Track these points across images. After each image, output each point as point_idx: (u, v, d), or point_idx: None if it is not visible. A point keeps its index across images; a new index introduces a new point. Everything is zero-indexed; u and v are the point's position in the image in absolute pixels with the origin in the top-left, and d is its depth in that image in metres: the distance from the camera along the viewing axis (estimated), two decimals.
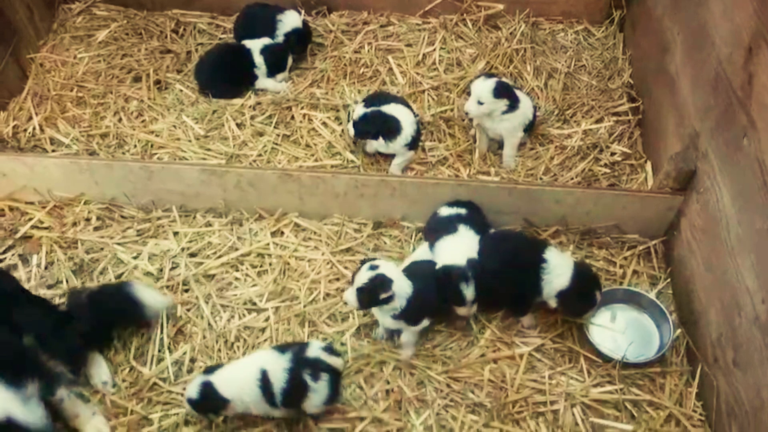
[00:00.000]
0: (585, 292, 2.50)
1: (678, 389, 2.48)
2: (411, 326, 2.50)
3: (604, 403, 2.45)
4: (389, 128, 3.02)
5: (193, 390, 2.25)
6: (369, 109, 3.03)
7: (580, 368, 2.54)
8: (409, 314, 2.45)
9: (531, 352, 2.56)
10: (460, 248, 2.58)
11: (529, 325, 2.64)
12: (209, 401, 2.24)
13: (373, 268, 2.37)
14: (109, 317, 2.56)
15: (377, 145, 3.05)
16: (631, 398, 2.46)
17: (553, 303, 2.49)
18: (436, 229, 2.71)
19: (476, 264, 2.53)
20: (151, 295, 2.60)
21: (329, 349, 2.34)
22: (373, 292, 2.35)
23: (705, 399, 2.43)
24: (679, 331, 2.61)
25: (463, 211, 2.72)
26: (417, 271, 2.53)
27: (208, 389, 2.24)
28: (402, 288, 2.40)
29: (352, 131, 3.07)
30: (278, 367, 2.26)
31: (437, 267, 2.54)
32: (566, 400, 2.44)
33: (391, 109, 3.05)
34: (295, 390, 2.26)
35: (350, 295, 2.38)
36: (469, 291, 2.48)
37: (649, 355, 2.55)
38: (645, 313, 2.69)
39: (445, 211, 2.74)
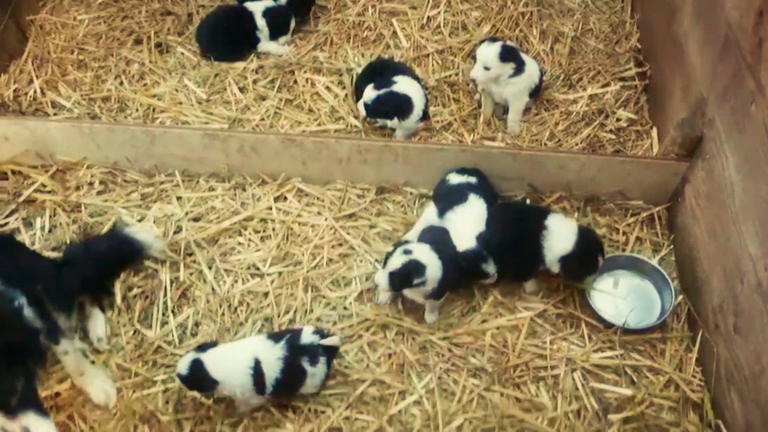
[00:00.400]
0: (587, 257, 2.50)
1: (678, 355, 2.50)
2: (436, 301, 2.53)
3: (604, 368, 2.47)
4: (403, 109, 2.99)
5: (183, 366, 2.23)
6: (381, 91, 2.95)
7: (581, 334, 2.56)
8: (438, 293, 2.48)
9: (533, 318, 2.58)
10: (470, 219, 2.59)
11: (531, 291, 2.66)
12: (198, 380, 2.22)
13: (407, 252, 2.38)
14: (106, 260, 2.59)
15: (390, 123, 3.02)
16: (631, 363, 2.48)
17: (555, 268, 2.49)
18: (447, 198, 2.69)
19: (485, 236, 2.55)
20: (144, 234, 2.65)
21: (321, 333, 2.35)
22: (407, 278, 2.37)
23: (705, 365, 2.45)
24: (680, 297, 2.62)
25: (473, 179, 2.70)
26: (445, 251, 2.49)
27: (197, 367, 2.21)
28: (434, 272, 2.41)
29: (363, 112, 3.01)
30: (272, 357, 2.26)
31: (457, 251, 2.54)
32: (567, 365, 2.46)
33: (401, 86, 2.98)
34: (291, 378, 2.27)
35: (382, 278, 2.40)
36: (490, 267, 2.53)
37: (650, 321, 2.57)
38: (647, 280, 2.70)
39: (456, 179, 2.72)
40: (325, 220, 2.85)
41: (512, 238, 2.55)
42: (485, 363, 2.47)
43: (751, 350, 2.16)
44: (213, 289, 2.67)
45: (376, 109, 2.98)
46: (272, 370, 2.25)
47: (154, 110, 3.21)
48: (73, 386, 2.40)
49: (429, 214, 2.74)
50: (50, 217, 2.87)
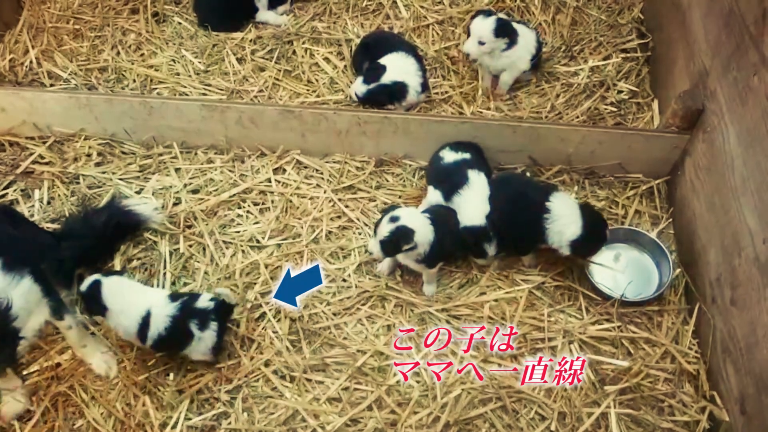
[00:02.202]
0: (596, 236, 2.50)
1: (675, 327, 2.52)
2: (429, 269, 2.54)
3: (601, 340, 2.49)
4: (396, 95, 2.98)
5: (85, 283, 2.28)
6: (372, 86, 2.95)
7: (579, 306, 2.57)
8: (431, 258, 2.48)
9: (531, 290, 2.59)
10: (478, 199, 2.59)
11: (530, 264, 2.66)
12: (91, 298, 2.27)
13: (393, 219, 2.39)
14: (105, 232, 2.59)
15: (391, 107, 3.00)
16: (628, 335, 2.49)
17: (566, 251, 2.48)
18: (446, 179, 2.67)
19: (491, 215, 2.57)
20: (143, 207, 2.67)
21: (219, 300, 2.35)
22: (396, 244, 2.39)
23: (701, 337, 2.47)
24: (678, 270, 2.62)
25: (467, 155, 2.69)
26: (439, 218, 2.51)
27: (94, 287, 2.27)
28: (424, 236, 2.42)
29: (356, 99, 3.01)
30: (162, 313, 2.27)
31: (462, 226, 2.56)
32: (564, 337, 2.48)
33: (392, 71, 2.95)
34: (175, 338, 2.29)
35: (374, 246, 2.42)
36: (491, 248, 2.56)
37: (648, 294, 2.58)
38: (645, 253, 2.71)
39: (450, 157, 2.70)
40: (324, 192, 2.84)
41: (513, 215, 2.54)
42: (483, 334, 2.49)
43: (747, 322, 2.18)
44: (213, 260, 2.67)
45: (368, 101, 2.98)
46: (158, 325, 2.27)
47: (151, 81, 3.18)
48: (74, 357, 2.42)
49: (432, 197, 2.71)
50: (48, 188, 2.87)
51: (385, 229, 2.38)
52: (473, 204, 2.59)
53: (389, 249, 2.41)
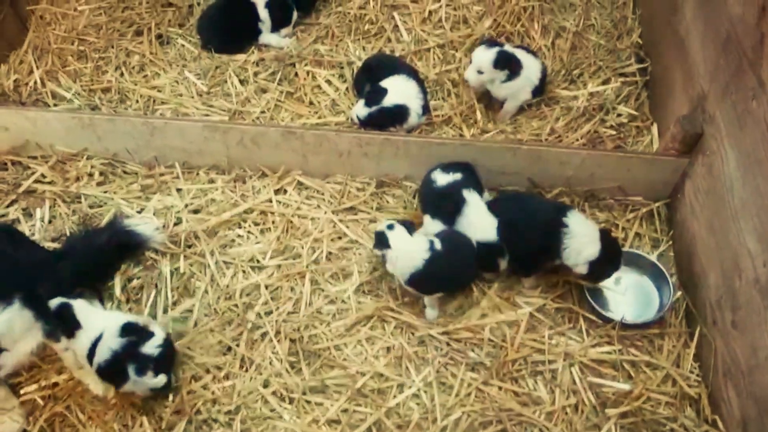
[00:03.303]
0: (613, 260, 2.51)
1: (676, 350, 2.51)
2: (423, 294, 2.55)
3: (602, 363, 2.48)
4: (397, 119, 3.00)
5: (52, 305, 2.28)
6: (373, 109, 2.97)
7: (580, 329, 2.57)
8: (419, 284, 2.50)
9: (532, 313, 2.58)
10: (483, 216, 2.58)
11: (530, 286, 2.66)
12: (65, 319, 2.27)
13: (388, 228, 2.49)
14: (106, 252, 2.59)
15: (392, 129, 3.02)
16: (629, 358, 2.48)
17: (582, 270, 2.48)
18: (442, 204, 2.64)
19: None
20: (144, 227, 2.66)
21: (167, 347, 2.32)
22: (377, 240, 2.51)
23: (702, 360, 2.46)
24: (679, 293, 2.62)
25: (458, 176, 2.65)
26: (445, 246, 2.51)
27: (65, 308, 2.28)
28: (405, 260, 2.46)
29: (356, 122, 3.04)
30: (107, 344, 2.25)
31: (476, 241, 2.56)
32: (565, 360, 2.47)
33: (393, 94, 2.97)
34: (111, 373, 2.26)
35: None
36: (503, 263, 2.57)
37: (649, 317, 2.57)
38: (646, 276, 2.71)
39: (443, 180, 2.66)
40: (325, 213, 2.85)
41: (527, 231, 2.53)
42: (484, 357, 2.48)
43: (748, 345, 2.17)
44: (213, 280, 2.67)
45: (369, 123, 3.00)
46: (101, 354, 2.25)
47: (154, 102, 3.21)
48: (71, 377, 2.40)
49: (430, 228, 2.66)
50: (50, 207, 2.87)
51: (377, 231, 2.52)
52: (481, 219, 2.57)
53: (376, 243, 2.51)
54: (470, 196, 2.61)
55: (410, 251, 2.47)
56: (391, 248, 2.47)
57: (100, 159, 3.00)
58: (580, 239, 2.45)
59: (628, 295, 2.65)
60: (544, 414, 2.36)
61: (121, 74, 3.31)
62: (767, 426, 2.03)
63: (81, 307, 2.30)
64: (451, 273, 2.54)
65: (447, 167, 2.69)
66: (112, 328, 2.28)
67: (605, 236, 2.49)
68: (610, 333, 2.54)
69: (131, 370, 2.25)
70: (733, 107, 2.36)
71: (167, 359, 2.33)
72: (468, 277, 2.61)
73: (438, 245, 2.49)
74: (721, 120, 2.44)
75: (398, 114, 2.98)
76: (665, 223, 2.84)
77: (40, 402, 2.38)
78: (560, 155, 2.78)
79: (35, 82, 3.27)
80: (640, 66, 3.27)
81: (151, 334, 2.32)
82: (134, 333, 2.31)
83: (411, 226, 2.55)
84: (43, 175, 2.96)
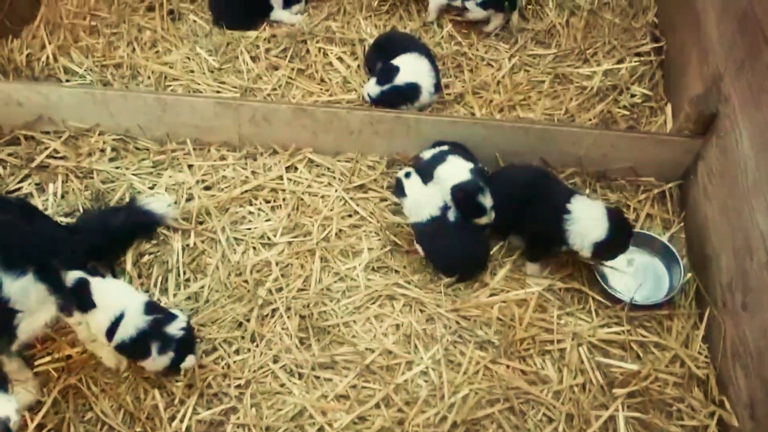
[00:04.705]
0: (621, 241, 2.50)
1: (685, 331, 2.51)
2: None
3: (610, 343, 2.48)
4: (408, 97, 2.99)
5: (69, 280, 2.29)
6: (385, 87, 2.97)
7: (589, 309, 2.57)
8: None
9: (541, 292, 2.58)
10: (457, 163, 2.61)
11: (532, 273, 2.65)
12: (80, 296, 2.27)
13: (407, 175, 2.58)
14: (119, 230, 2.62)
15: (403, 107, 3.01)
16: (637, 339, 2.49)
17: (587, 253, 2.48)
18: (426, 169, 2.66)
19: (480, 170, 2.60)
20: (157, 204, 2.68)
21: (188, 332, 2.36)
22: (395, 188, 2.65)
23: (711, 341, 2.46)
24: (689, 274, 2.61)
25: (445, 147, 2.70)
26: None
27: (83, 284, 2.28)
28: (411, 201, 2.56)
29: (368, 100, 3.03)
30: (131, 322, 2.28)
31: (452, 186, 2.56)
32: (573, 340, 2.47)
33: (405, 72, 2.95)
34: (135, 350, 2.30)
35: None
36: (487, 200, 2.53)
37: (658, 298, 2.57)
38: (656, 257, 2.70)
39: (429, 153, 2.72)
40: (335, 191, 2.85)
41: (531, 213, 2.54)
42: (492, 336, 2.49)
43: (758, 327, 2.17)
44: (224, 257, 2.69)
45: (381, 102, 2.99)
46: (124, 332, 2.27)
47: (166, 78, 3.21)
48: (84, 350, 2.43)
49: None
50: (63, 183, 2.89)
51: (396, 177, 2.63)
52: (454, 165, 2.60)
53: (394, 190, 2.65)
54: (450, 156, 2.64)
55: (424, 202, 2.51)
56: (407, 196, 2.53)
57: (112, 135, 3.01)
58: (584, 223, 2.44)
59: (638, 276, 2.65)
60: (552, 393, 2.37)
61: (133, 50, 3.31)
62: None
63: (98, 286, 2.31)
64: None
65: (437, 143, 2.74)
66: (135, 307, 2.31)
67: (614, 217, 2.47)
68: (619, 314, 2.54)
69: (154, 348, 2.29)
70: (748, 86, 2.33)
71: (189, 342, 2.36)
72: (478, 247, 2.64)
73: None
74: (736, 99, 2.41)
75: (410, 92, 2.97)
76: (677, 204, 2.83)
77: (54, 374, 2.41)
78: (572, 135, 2.76)
79: (47, 57, 3.27)
80: (655, 45, 3.24)
81: (174, 316, 2.35)
82: (159, 312, 2.35)
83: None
84: (55, 150, 2.98)
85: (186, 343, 2.35)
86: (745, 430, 2.18)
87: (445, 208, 2.54)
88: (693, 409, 2.35)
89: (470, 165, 2.60)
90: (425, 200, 2.55)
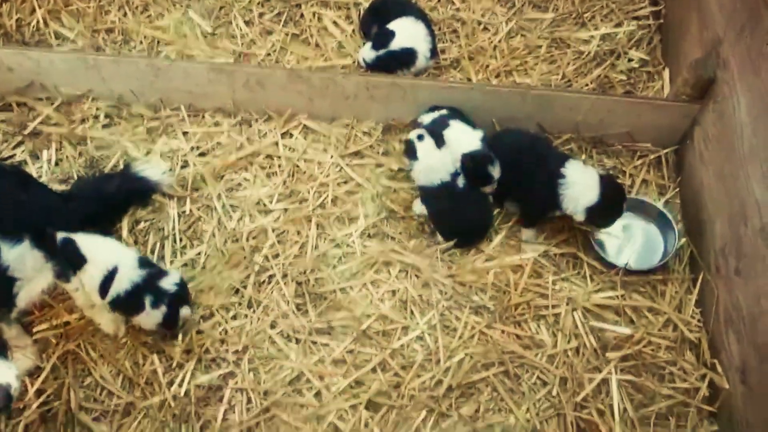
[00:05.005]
0: (613, 206, 2.50)
1: (678, 296, 2.53)
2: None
3: (604, 308, 2.51)
4: (404, 62, 2.95)
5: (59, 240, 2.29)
6: (381, 52, 2.93)
7: (584, 274, 2.59)
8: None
9: (536, 258, 2.60)
10: (466, 130, 2.60)
11: (528, 239, 2.66)
12: (69, 255, 2.27)
13: (420, 138, 2.57)
14: (115, 196, 2.61)
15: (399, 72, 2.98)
16: (631, 304, 2.51)
17: (580, 217, 2.49)
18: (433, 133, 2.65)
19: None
20: (153, 171, 2.66)
21: (182, 288, 2.37)
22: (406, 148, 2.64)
23: (704, 306, 2.48)
24: (683, 240, 2.63)
25: (444, 111, 2.69)
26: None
27: (68, 243, 2.27)
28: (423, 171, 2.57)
29: (363, 65, 2.99)
30: (127, 276, 2.28)
31: (462, 154, 2.56)
32: (568, 305, 2.50)
33: (401, 37, 2.91)
34: (129, 304, 2.31)
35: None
36: (495, 170, 2.55)
37: (653, 263, 2.59)
38: (651, 222, 2.71)
39: (429, 117, 2.70)
40: (331, 157, 2.84)
41: (526, 178, 2.55)
42: (487, 301, 2.51)
43: (751, 293, 2.19)
44: (220, 223, 2.69)
45: (376, 67, 2.95)
46: (119, 285, 2.28)
47: (158, 43, 3.16)
48: (82, 316, 2.45)
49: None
50: (56, 150, 2.87)
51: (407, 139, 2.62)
52: (463, 133, 2.59)
53: (405, 151, 2.64)
54: (452, 121, 2.62)
55: (436, 167, 2.52)
56: (418, 159, 2.52)
57: (105, 101, 2.98)
58: (578, 187, 2.45)
59: (633, 242, 2.66)
60: (546, 357, 2.41)
61: (125, 14, 3.25)
62: (766, 371, 2.06)
63: (84, 241, 2.31)
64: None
65: (433, 108, 2.73)
66: (128, 261, 2.32)
67: (607, 182, 2.48)
68: (613, 279, 2.56)
69: (147, 302, 2.29)
70: (747, 52, 2.31)
71: (182, 298, 2.37)
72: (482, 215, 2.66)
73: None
74: (734, 65, 2.40)
75: (406, 57, 2.94)
76: (673, 169, 2.83)
77: (53, 340, 2.43)
78: (569, 100, 2.75)
79: (37, 22, 3.21)
80: (654, 9, 3.20)
81: (166, 272, 2.37)
82: (152, 267, 2.36)
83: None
84: (48, 117, 2.95)
85: (179, 299, 2.35)
86: (736, 393, 2.22)
87: (455, 174, 2.54)
88: (685, 372, 2.39)
89: (480, 133, 2.59)
90: (437, 165, 2.54)
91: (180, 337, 2.44)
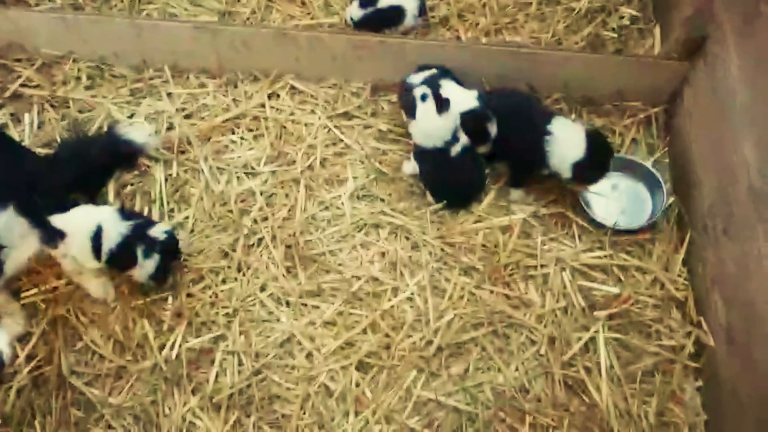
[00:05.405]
0: (599, 162, 2.49)
1: (665, 255, 2.55)
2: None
3: (593, 268, 2.53)
4: (392, 20, 2.90)
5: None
6: (368, 10, 2.87)
7: (572, 234, 2.60)
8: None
9: (525, 218, 2.60)
10: (459, 89, 2.57)
11: (516, 199, 2.66)
12: (44, 230, 2.25)
13: (423, 97, 2.49)
14: (99, 159, 2.57)
15: (387, 31, 2.92)
16: (619, 263, 2.53)
17: (566, 174, 2.48)
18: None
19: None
20: (137, 133, 2.61)
21: (171, 235, 2.35)
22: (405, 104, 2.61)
23: (691, 265, 2.51)
24: (671, 199, 2.64)
25: (434, 71, 2.64)
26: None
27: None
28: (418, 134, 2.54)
29: (351, 23, 2.93)
30: (114, 229, 2.27)
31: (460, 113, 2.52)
32: (556, 265, 2.51)
33: None
34: (122, 257, 2.30)
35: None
36: (493, 128, 2.53)
37: (641, 222, 2.60)
38: (640, 182, 2.71)
39: (418, 77, 2.63)
40: (319, 118, 2.81)
41: (514, 137, 2.53)
42: (476, 262, 2.52)
43: (738, 253, 2.21)
44: (207, 186, 2.66)
45: (363, 26, 2.90)
46: (109, 241, 2.27)
47: (140, 2, 3.08)
48: (70, 282, 2.44)
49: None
50: (38, 112, 2.82)
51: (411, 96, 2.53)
52: (458, 92, 2.55)
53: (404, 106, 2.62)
54: (445, 82, 2.58)
55: (431, 133, 2.49)
56: (416, 120, 2.48)
57: (86, 62, 2.92)
58: (564, 143, 2.44)
59: (622, 201, 2.67)
60: (534, 316, 2.43)
61: None
62: (752, 333, 2.10)
63: (60, 218, 2.28)
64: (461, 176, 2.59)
65: (422, 66, 2.67)
66: (109, 216, 2.30)
67: (593, 137, 2.47)
68: (602, 239, 2.57)
69: (139, 252, 2.29)
70: (741, 11, 2.28)
71: (174, 246, 2.37)
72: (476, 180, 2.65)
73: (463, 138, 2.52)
74: (727, 24, 2.37)
75: (394, 15, 2.88)
76: (662, 129, 2.82)
77: (42, 305, 2.42)
78: (559, 59, 2.72)
79: None
80: None
81: (153, 222, 2.36)
82: (137, 217, 2.35)
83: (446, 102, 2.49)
84: (29, 79, 2.88)
85: (169, 248, 2.35)
86: (721, 352, 2.26)
87: (449, 143, 2.50)
88: (671, 329, 2.42)
89: (475, 92, 2.57)
90: (433, 131, 2.50)
91: (170, 300, 2.44)
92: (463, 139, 2.53)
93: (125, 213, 2.35)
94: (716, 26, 2.43)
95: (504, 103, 2.59)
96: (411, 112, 2.52)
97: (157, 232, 2.32)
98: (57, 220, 2.26)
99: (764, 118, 2.12)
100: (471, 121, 2.52)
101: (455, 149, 2.52)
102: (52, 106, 2.83)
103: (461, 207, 2.62)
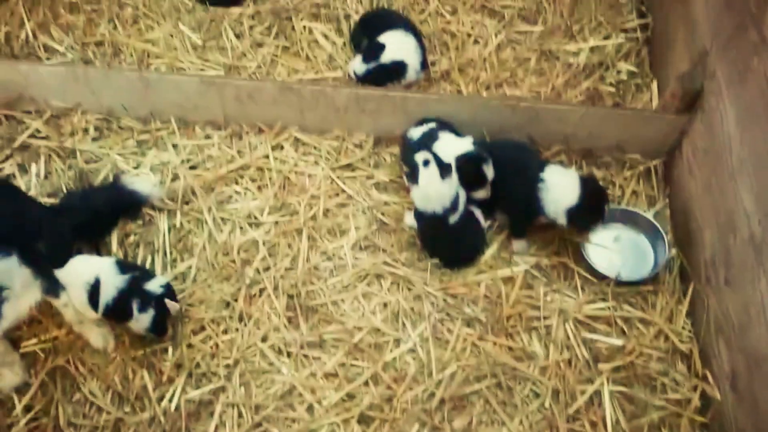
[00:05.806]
0: (594, 207, 2.51)
1: (669, 307, 2.54)
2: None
3: (596, 319, 2.51)
4: (395, 75, 2.96)
5: None
6: (371, 65, 2.93)
7: (575, 285, 2.59)
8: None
9: (528, 269, 2.60)
10: (454, 137, 2.62)
11: (518, 250, 2.66)
12: (47, 279, 2.26)
13: (425, 164, 2.47)
14: (104, 209, 2.60)
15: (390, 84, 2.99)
16: (622, 315, 2.52)
17: (562, 220, 2.49)
18: (420, 147, 2.63)
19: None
20: (142, 184, 2.66)
21: (168, 289, 2.36)
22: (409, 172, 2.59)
23: (695, 317, 2.49)
24: (673, 251, 2.64)
25: (433, 125, 2.70)
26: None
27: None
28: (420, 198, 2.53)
29: (354, 78, 3.00)
30: (110, 283, 2.28)
31: (456, 156, 2.54)
32: (559, 316, 2.50)
33: (391, 50, 2.92)
34: (118, 310, 2.30)
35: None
36: (489, 171, 2.54)
37: (644, 274, 2.60)
38: (642, 234, 2.72)
39: (417, 132, 2.70)
40: (322, 170, 2.84)
41: (509, 186, 2.56)
42: (479, 313, 2.51)
43: (740, 302, 2.20)
44: (211, 236, 2.67)
45: (366, 80, 2.96)
46: (106, 295, 2.28)
47: (148, 56, 3.16)
48: (71, 331, 2.43)
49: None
50: (45, 163, 2.85)
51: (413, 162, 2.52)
52: (454, 140, 2.59)
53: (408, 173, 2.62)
54: (441, 133, 2.64)
55: (432, 199, 2.49)
56: (418, 186, 2.48)
57: (94, 114, 2.97)
58: (557, 190, 2.46)
59: (624, 253, 2.67)
60: (538, 368, 2.40)
61: (114, 27, 3.25)
62: (755, 379, 2.08)
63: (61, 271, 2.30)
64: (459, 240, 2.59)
65: (421, 121, 2.74)
66: (107, 268, 2.31)
67: (586, 183, 2.49)
68: (604, 290, 2.56)
69: (135, 307, 2.28)
70: (734, 64, 2.33)
71: (171, 299, 2.37)
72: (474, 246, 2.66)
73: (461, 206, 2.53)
74: (721, 76, 2.42)
75: (396, 70, 2.95)
76: (662, 181, 2.84)
77: (41, 355, 2.41)
78: (559, 112, 2.76)
79: (27, 35, 3.20)
80: (642, 21, 3.23)
81: (152, 275, 2.37)
82: (134, 269, 2.36)
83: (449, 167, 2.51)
84: (37, 130, 2.93)
85: (170, 297, 2.35)
86: (727, 402, 2.23)
87: (447, 211, 2.50)
88: (677, 382, 2.39)
89: (470, 138, 2.61)
90: (434, 197, 2.48)
91: (170, 351, 2.42)
92: (462, 207, 2.54)
93: (123, 265, 2.36)
94: (711, 79, 2.49)
95: (499, 152, 2.63)
96: (414, 179, 2.51)
97: (154, 285, 2.33)
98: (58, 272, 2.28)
99: (760, 168, 2.14)
100: (466, 163, 2.54)
101: (453, 218, 2.52)
102: (59, 156, 2.87)
103: (457, 268, 2.62)
